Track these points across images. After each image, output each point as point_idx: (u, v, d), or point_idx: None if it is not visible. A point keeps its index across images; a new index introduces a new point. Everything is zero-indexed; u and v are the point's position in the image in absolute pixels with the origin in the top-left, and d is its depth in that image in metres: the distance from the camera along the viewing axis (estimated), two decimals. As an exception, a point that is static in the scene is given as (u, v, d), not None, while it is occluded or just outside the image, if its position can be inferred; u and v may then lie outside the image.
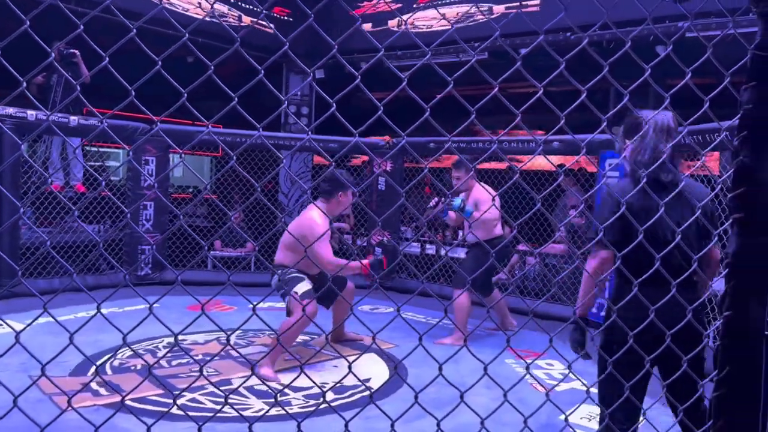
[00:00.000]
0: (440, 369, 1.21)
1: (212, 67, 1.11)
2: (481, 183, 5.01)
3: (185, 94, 1.12)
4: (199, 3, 7.80)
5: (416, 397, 1.21)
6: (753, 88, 0.99)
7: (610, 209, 2.09)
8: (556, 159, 7.84)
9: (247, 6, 8.61)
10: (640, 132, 2.12)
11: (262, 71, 1.12)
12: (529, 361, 4.20)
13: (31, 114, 5.68)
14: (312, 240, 3.71)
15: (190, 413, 3.09)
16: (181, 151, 5.15)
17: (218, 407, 3.22)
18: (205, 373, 3.73)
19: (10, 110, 5.59)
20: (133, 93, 1.12)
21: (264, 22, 8.27)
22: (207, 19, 7.31)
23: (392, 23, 8.32)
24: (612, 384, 1.94)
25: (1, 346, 1.16)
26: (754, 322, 1.00)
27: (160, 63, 1.11)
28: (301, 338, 4.58)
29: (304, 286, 3.91)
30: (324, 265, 3.80)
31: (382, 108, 1.20)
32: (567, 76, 1.22)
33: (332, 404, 3.20)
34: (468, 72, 1.33)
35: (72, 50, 6.38)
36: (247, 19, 8.61)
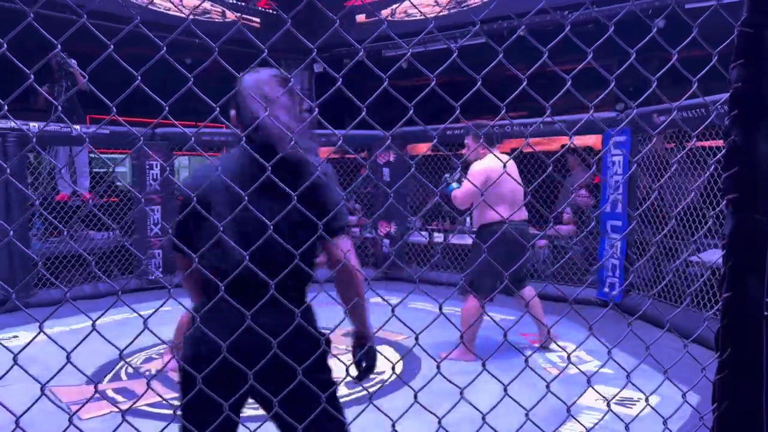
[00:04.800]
0: (438, 367, 1.21)
1: (192, 79, 1.10)
2: (497, 153, 4.08)
3: (162, 105, 1.11)
4: (181, 1, 7.75)
5: (416, 396, 1.21)
6: (741, 66, 0.97)
7: (182, 204, 1.65)
8: (561, 140, 7.79)
9: (231, 1, 8.55)
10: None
11: (241, 75, 1.11)
12: (539, 345, 4.24)
13: (33, 126, 5.70)
14: None
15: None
16: (181, 153, 5.14)
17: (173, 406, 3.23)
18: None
19: (12, 123, 5.61)
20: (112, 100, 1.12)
21: (253, 18, 8.22)
22: (192, 17, 7.29)
23: (386, 12, 8.26)
24: None
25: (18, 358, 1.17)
26: (752, 301, 0.99)
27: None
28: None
29: None
30: None
31: (365, 109, 1.18)
32: (550, 63, 1.20)
33: (346, 399, 3.22)
34: (467, 57, 1.31)
35: (69, 59, 6.39)
36: (231, 15, 8.56)
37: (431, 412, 1.27)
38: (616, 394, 1.65)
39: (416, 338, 1.21)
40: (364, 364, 1.65)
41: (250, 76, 1.61)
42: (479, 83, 1.20)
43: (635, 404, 3.19)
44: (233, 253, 1.36)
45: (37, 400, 1.18)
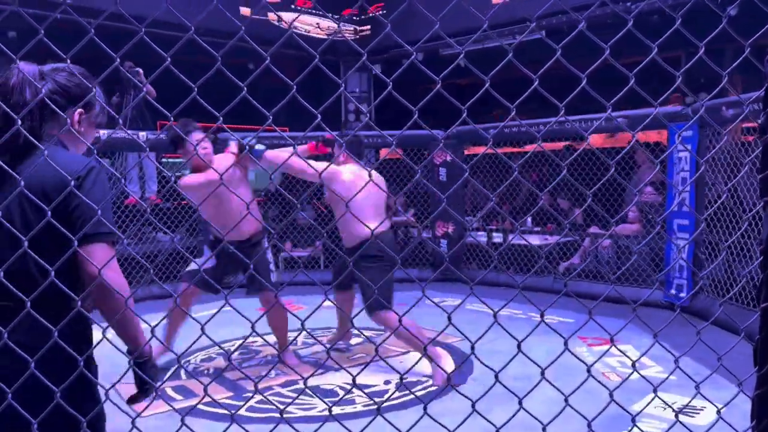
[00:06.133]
0: (497, 377, 1.18)
1: (245, 89, 1.11)
2: (360, 163, 3.98)
3: (217, 116, 1.13)
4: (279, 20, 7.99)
5: (473, 406, 1.18)
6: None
7: None
8: (627, 136, 7.54)
9: (327, 15, 8.82)
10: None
11: (295, 86, 1.12)
12: (600, 348, 4.11)
13: (103, 133, 5.96)
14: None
15: (258, 414, 3.19)
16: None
17: (284, 408, 3.28)
18: (272, 374, 3.83)
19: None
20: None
21: (350, 28, 8.38)
22: (292, 30, 7.45)
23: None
24: None
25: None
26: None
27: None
28: (369, 334, 4.61)
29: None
30: None
31: (416, 112, 1.17)
32: (611, 60, 1.16)
33: (395, 402, 3.21)
34: (526, 53, 1.29)
35: (136, 68, 6.67)
36: (325, 25, 8.82)
37: (489, 422, 1.24)
38: (687, 404, 1.58)
39: (472, 347, 1.18)
40: (142, 384, 1.42)
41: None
42: (536, 83, 1.16)
43: (698, 413, 3.05)
44: None
45: (107, 399, 1.23)
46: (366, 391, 3.51)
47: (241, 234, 3.77)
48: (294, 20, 7.59)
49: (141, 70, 6.70)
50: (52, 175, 1.27)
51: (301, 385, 3.66)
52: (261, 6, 8.19)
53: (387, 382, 3.66)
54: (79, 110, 1.45)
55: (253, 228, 3.86)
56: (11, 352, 1.15)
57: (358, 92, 10.08)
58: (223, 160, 3.81)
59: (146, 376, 1.40)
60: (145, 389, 1.43)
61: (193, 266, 4.03)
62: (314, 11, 8.93)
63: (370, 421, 1.29)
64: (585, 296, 5.17)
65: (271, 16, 8.37)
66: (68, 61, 1.16)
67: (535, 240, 6.69)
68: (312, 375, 1.44)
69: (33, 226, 1.21)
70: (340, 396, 3.35)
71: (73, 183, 1.20)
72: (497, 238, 6.99)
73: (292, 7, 8.92)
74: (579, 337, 4.42)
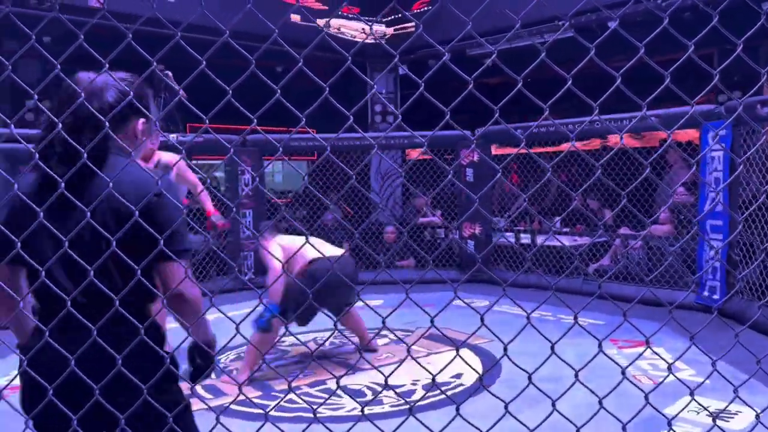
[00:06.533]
0: (530, 378, 1.17)
1: (279, 91, 1.13)
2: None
3: (251, 118, 1.15)
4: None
5: (506, 407, 1.18)
6: None
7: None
8: (658, 135, 7.42)
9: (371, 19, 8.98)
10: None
11: (327, 88, 1.13)
12: (631, 350, 4.05)
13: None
14: None
15: (288, 414, 3.21)
16: (276, 158, 5.31)
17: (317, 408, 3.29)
18: (300, 375, 3.86)
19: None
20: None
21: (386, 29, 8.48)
22: (326, 30, 7.51)
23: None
24: None
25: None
26: None
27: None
28: (395, 335, 4.61)
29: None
30: None
31: (448, 112, 1.17)
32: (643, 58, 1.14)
33: (423, 402, 3.20)
34: (555, 51, 1.28)
35: (166, 71, 6.78)
36: (377, 29, 9.01)
37: (522, 423, 1.23)
38: (724, 409, 1.55)
39: (505, 349, 1.18)
40: (198, 361, 1.53)
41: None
42: (569, 82, 1.15)
43: (733, 417, 2.98)
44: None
45: (143, 398, 1.25)
46: (395, 391, 3.52)
47: None
48: (327, 22, 7.67)
49: (170, 73, 6.82)
50: (133, 191, 1.31)
51: (329, 386, 3.68)
52: (295, 12, 8.27)
53: (415, 383, 3.66)
54: (142, 119, 1.47)
55: None
56: (101, 350, 1.22)
57: (385, 93, 10.10)
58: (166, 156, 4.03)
59: (208, 363, 1.54)
60: (205, 371, 1.56)
61: None
62: (352, 17, 9.05)
63: (403, 421, 1.29)
64: (616, 298, 5.09)
65: (319, 22, 8.54)
66: (107, 65, 1.19)
67: (564, 241, 6.62)
68: (344, 375, 1.45)
69: (112, 236, 1.22)
70: (371, 396, 3.36)
71: (153, 199, 1.30)
72: (525, 239, 6.94)
73: (339, 14, 9.08)
74: (610, 340, 4.36)
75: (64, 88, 1.38)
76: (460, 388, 3.59)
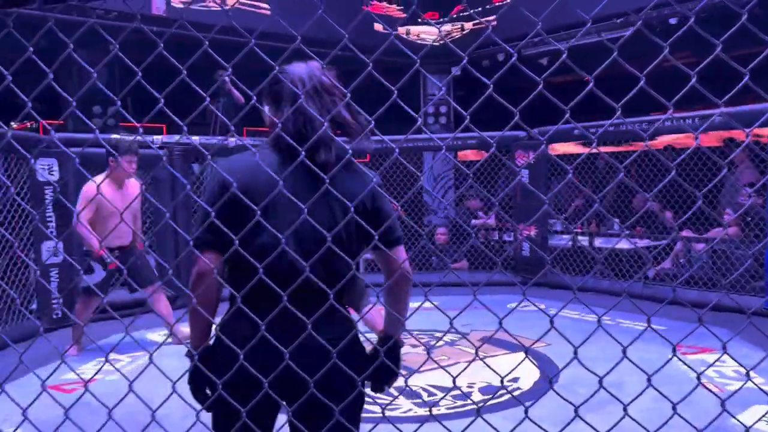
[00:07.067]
0: (601, 382, 1.16)
1: (348, 95, 1.15)
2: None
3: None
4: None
5: (526, 411, 1.16)
6: None
7: (212, 193, 1.43)
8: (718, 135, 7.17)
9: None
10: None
11: (396, 92, 1.14)
12: (695, 357, 3.91)
13: (195, 139, 6.26)
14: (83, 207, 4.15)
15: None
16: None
17: (384, 407, 3.32)
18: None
19: (176, 137, 6.20)
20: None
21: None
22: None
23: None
24: None
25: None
26: None
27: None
28: (448, 338, 4.60)
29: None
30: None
31: (517, 113, 1.17)
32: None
33: (479, 405, 3.18)
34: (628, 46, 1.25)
35: (224, 76, 6.96)
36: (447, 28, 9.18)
37: (593, 427, 1.21)
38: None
39: (575, 352, 1.16)
40: (386, 370, 1.58)
41: (299, 67, 1.45)
42: (642, 81, 1.12)
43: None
44: (284, 260, 1.34)
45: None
46: (451, 393, 3.51)
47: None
48: (397, 29, 7.84)
49: (228, 78, 6.99)
50: (360, 185, 1.43)
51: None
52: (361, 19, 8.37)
53: (471, 385, 3.64)
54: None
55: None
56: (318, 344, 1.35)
57: (438, 95, 10.09)
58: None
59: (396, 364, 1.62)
60: (392, 377, 1.64)
61: None
62: (427, 22, 9.12)
63: (471, 422, 1.29)
64: (677, 302, 4.93)
65: (401, 29, 8.72)
66: (185, 71, 1.23)
67: (623, 244, 6.45)
68: (411, 375, 1.46)
69: (342, 228, 1.39)
70: (427, 397, 3.35)
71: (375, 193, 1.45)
72: (583, 241, 6.80)
73: (419, 21, 9.16)
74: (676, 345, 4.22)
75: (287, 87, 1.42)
76: (518, 392, 3.55)
